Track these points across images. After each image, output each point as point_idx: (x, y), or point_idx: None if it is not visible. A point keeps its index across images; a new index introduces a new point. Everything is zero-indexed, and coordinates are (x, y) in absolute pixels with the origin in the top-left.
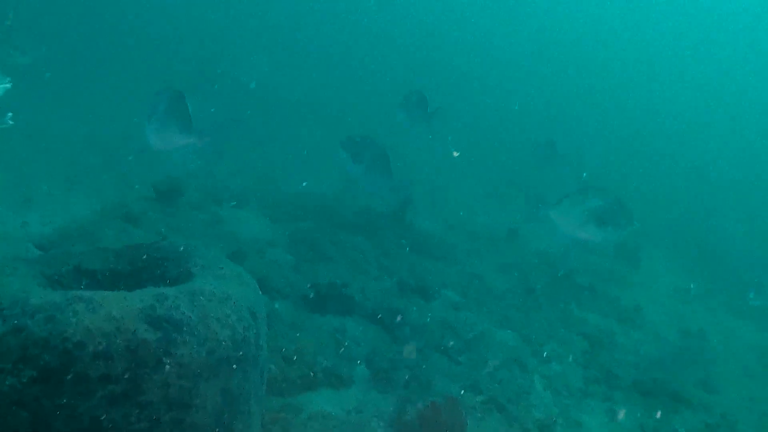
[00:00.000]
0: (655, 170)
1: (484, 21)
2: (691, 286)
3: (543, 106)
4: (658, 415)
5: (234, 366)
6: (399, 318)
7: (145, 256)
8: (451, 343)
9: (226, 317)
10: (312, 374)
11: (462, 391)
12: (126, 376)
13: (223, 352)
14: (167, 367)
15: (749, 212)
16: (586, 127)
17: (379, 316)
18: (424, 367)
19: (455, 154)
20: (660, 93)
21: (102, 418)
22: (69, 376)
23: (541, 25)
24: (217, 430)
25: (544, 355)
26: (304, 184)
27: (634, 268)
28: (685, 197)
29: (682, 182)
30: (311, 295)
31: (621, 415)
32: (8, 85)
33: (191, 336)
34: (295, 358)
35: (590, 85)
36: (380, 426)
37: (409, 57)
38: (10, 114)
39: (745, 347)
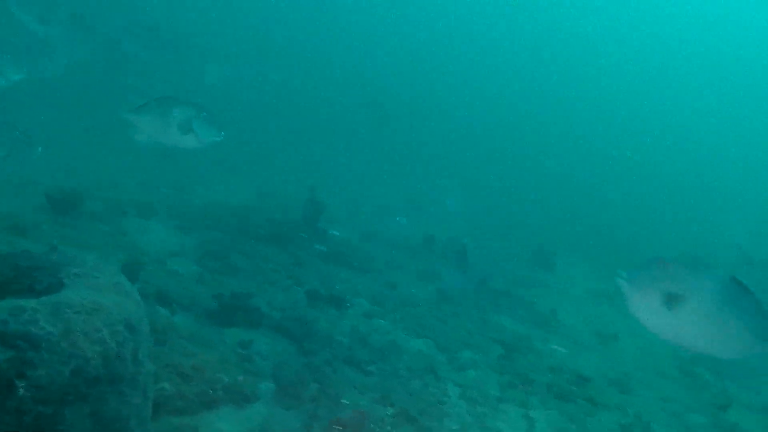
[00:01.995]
0: (571, 175)
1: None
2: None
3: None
4: (573, 418)
5: (106, 387)
6: (308, 329)
7: (12, 266)
8: (362, 353)
9: (96, 331)
10: (212, 391)
11: (372, 404)
12: None
13: (93, 371)
14: (21, 390)
15: (666, 216)
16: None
17: (288, 327)
18: (332, 379)
19: None
20: (583, 96)
21: None
22: None
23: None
24: None
25: (460, 362)
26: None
27: (549, 272)
28: (600, 202)
29: (597, 186)
30: (214, 307)
31: (537, 420)
32: None
33: (51, 354)
34: (192, 374)
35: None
36: None
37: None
38: None
39: (657, 348)
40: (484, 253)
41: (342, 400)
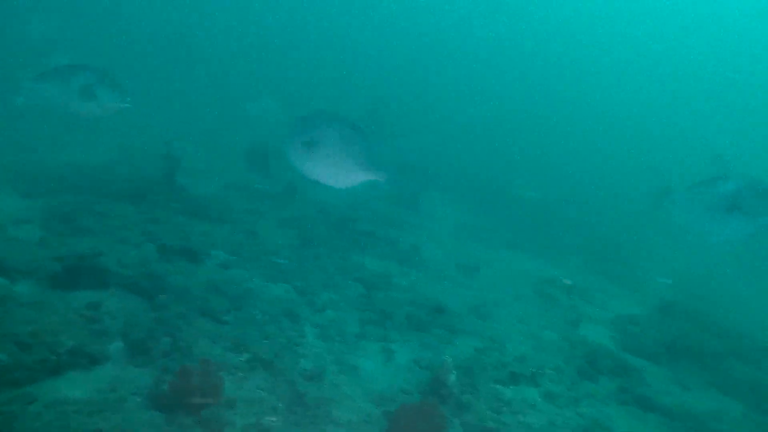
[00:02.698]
0: (437, 115)
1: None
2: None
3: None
4: (431, 347)
5: None
6: (160, 284)
7: None
8: (218, 303)
9: None
10: (55, 357)
11: (225, 352)
12: None
13: None
14: None
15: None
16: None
17: (139, 285)
18: (186, 332)
19: None
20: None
21: None
22: None
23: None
24: None
25: (319, 304)
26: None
27: (414, 211)
28: (469, 142)
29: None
30: (58, 270)
31: (396, 352)
32: None
33: None
34: (31, 341)
35: None
36: (137, 401)
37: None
38: None
39: (515, 274)
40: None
41: (194, 352)
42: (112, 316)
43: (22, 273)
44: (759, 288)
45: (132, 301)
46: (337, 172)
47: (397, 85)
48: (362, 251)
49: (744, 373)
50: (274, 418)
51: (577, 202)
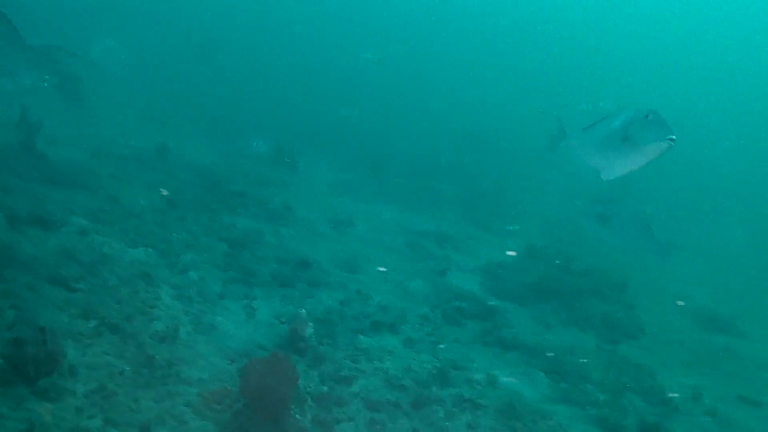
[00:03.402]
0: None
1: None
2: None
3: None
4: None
5: None
6: (8, 255)
7: None
8: (70, 271)
9: None
10: None
11: (72, 320)
12: None
13: None
14: None
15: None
16: None
17: None
18: (32, 302)
19: None
20: None
21: None
22: None
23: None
24: None
25: (181, 265)
26: None
27: (291, 170)
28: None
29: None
30: None
31: (257, 309)
32: None
33: None
34: None
35: None
36: None
37: None
38: None
39: (388, 227)
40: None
41: (39, 322)
42: None
43: None
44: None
45: None
46: None
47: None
48: (232, 212)
49: (598, 308)
50: (119, 382)
51: (450, 150)
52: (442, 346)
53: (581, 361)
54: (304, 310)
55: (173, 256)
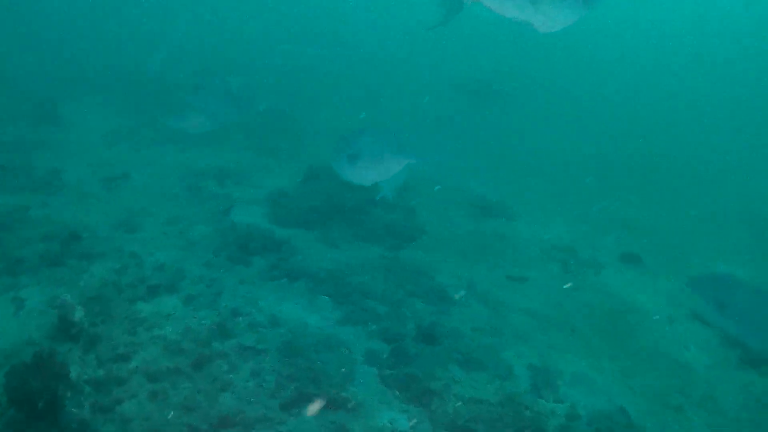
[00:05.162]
0: None
1: None
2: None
3: None
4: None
5: None
6: None
7: None
8: None
9: None
10: None
11: None
12: None
13: None
14: None
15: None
16: None
17: None
18: None
19: None
20: None
21: None
22: None
23: None
24: None
25: None
26: None
27: (56, 126)
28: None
29: None
30: None
31: (27, 299)
32: None
33: None
34: None
35: None
36: None
37: None
38: None
39: (169, 173)
40: None
41: None
42: None
43: None
44: None
45: None
46: None
47: None
48: None
49: (381, 218)
50: None
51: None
52: (224, 295)
53: (367, 275)
54: (68, 295)
55: None
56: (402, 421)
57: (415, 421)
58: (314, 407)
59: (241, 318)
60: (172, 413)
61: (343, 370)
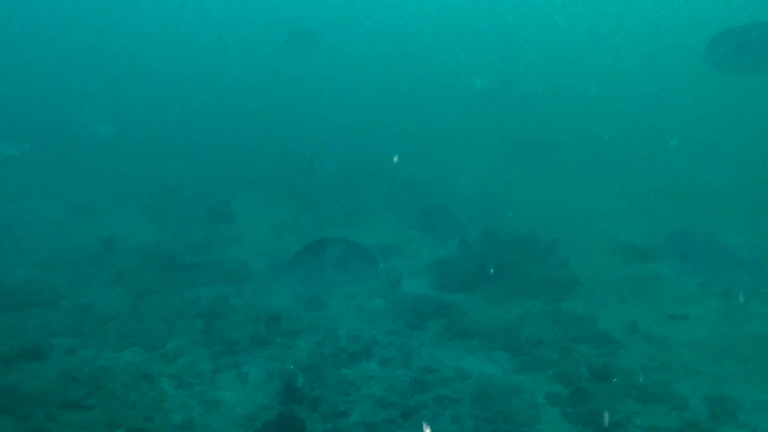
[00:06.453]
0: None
1: None
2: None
3: None
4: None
5: None
6: (17, 394)
7: None
8: (75, 391)
9: None
10: None
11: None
12: None
13: None
14: None
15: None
16: None
17: None
18: (56, 431)
19: None
20: None
21: None
22: None
23: None
24: None
25: (169, 355)
26: None
27: (230, 225)
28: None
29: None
30: None
31: (249, 373)
32: None
33: None
34: None
35: None
36: None
37: None
38: None
39: None
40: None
41: None
42: None
43: None
44: (531, 187)
45: None
46: None
47: None
48: (193, 284)
49: (537, 273)
50: None
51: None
52: (413, 356)
53: (529, 326)
54: (291, 365)
55: (159, 347)
56: None
57: None
58: None
59: (432, 374)
60: None
61: (530, 411)
